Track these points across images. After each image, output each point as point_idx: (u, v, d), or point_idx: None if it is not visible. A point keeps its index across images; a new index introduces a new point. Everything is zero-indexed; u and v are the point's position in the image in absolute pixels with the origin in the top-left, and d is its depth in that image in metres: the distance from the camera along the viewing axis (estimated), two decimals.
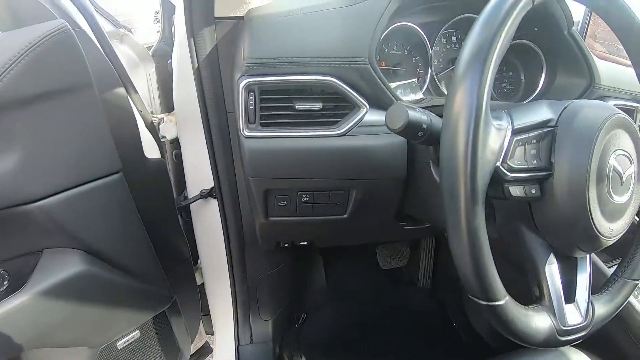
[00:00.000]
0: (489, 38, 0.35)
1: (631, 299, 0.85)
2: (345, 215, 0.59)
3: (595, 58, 0.70)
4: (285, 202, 0.57)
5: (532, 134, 0.41)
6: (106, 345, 0.62)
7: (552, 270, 0.45)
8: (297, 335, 0.93)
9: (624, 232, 0.46)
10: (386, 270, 1.08)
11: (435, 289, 1.10)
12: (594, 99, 0.70)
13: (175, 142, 0.74)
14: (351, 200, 0.57)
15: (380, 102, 0.55)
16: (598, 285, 0.54)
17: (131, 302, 0.62)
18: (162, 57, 0.77)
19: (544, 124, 0.43)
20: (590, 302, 0.48)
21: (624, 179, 0.44)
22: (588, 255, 0.49)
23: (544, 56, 0.72)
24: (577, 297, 0.47)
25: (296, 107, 0.52)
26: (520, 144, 0.40)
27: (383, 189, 0.57)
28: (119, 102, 0.61)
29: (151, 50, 0.72)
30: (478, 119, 0.34)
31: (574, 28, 0.67)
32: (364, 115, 0.53)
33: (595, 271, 0.56)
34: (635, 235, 0.58)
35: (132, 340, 0.65)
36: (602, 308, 0.49)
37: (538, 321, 0.42)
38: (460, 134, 0.34)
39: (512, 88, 0.75)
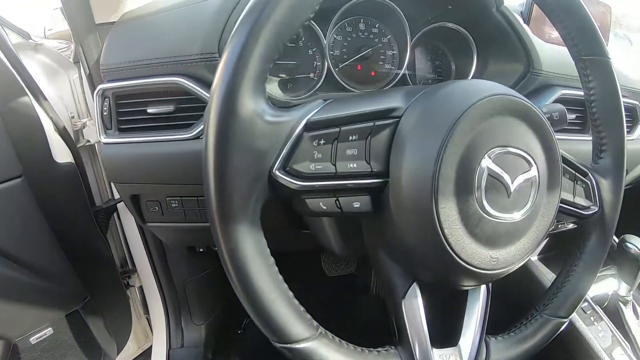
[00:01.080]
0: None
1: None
2: None
3: (537, 40, 0.61)
4: (157, 208, 0.56)
5: (347, 128, 0.32)
6: (19, 339, 0.67)
7: (413, 305, 0.37)
8: (236, 342, 0.92)
9: (524, 259, 0.37)
10: (340, 276, 1.03)
11: None
12: (534, 88, 0.61)
13: None
14: None
15: None
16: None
17: (38, 300, 0.66)
18: None
19: (377, 115, 0.34)
20: (485, 346, 0.40)
21: (512, 188, 0.34)
22: (483, 286, 0.41)
23: (473, 40, 0.64)
24: (461, 339, 0.39)
25: (148, 111, 0.51)
26: (322, 141, 0.32)
27: None
28: (24, 110, 0.65)
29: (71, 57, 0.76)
30: (230, 111, 0.28)
31: (505, 5, 0.59)
32: None
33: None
34: (565, 264, 0.49)
35: (44, 337, 0.69)
36: (505, 353, 0.40)
37: None
38: (210, 127, 0.28)
39: (439, 79, 0.67)
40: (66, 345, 0.72)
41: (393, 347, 0.37)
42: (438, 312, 0.39)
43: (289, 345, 0.31)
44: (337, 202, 0.33)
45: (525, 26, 0.60)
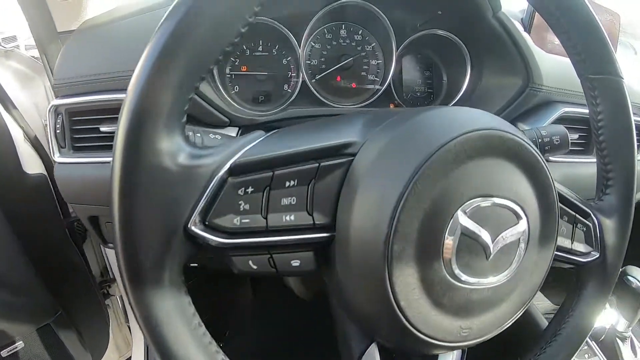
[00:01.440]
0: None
1: None
2: None
3: (538, 51, 0.55)
4: None
5: (282, 171, 0.27)
6: None
7: None
8: None
9: (505, 326, 0.32)
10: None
11: None
12: (533, 105, 0.55)
13: None
14: None
15: (212, 118, 0.48)
16: None
17: (6, 314, 0.65)
18: None
19: (324, 153, 0.28)
20: None
21: (493, 249, 0.28)
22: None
23: (467, 49, 0.58)
24: None
25: (101, 129, 0.48)
26: (250, 189, 0.26)
27: None
28: None
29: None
30: (135, 153, 0.23)
31: (502, 11, 0.52)
32: None
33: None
34: (548, 326, 0.43)
35: (15, 350, 0.68)
36: None
37: None
38: (114, 171, 0.23)
39: (429, 92, 0.62)
40: (37, 358, 0.71)
41: None
42: None
43: None
44: (270, 260, 0.28)
45: (525, 35, 0.53)
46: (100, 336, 0.82)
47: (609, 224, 0.40)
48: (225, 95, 0.53)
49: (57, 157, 0.50)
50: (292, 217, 0.27)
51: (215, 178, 0.25)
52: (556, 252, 0.36)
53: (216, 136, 0.40)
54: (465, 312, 0.29)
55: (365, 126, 0.31)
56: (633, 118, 0.39)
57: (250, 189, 0.27)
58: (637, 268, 0.66)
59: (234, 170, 0.26)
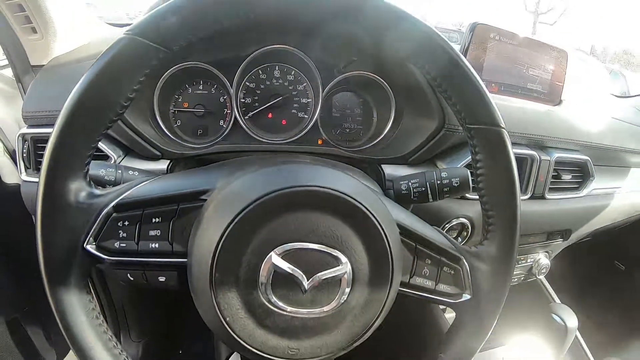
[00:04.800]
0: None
1: None
2: None
3: None
4: None
5: (150, 210, 0.38)
6: None
7: None
8: None
9: (341, 352, 0.39)
10: None
11: None
12: (449, 146, 0.64)
13: None
14: None
15: (146, 152, 0.60)
16: None
17: None
18: None
19: (183, 198, 0.39)
20: None
21: (308, 285, 0.36)
22: None
23: (391, 90, 0.67)
24: None
25: None
26: (127, 222, 0.38)
27: None
28: None
29: None
30: (49, 189, 0.34)
31: None
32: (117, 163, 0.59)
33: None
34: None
35: None
36: None
37: None
38: (37, 200, 0.34)
39: (359, 128, 0.71)
40: (4, 352, 0.84)
41: None
42: None
43: None
44: (143, 275, 0.40)
45: None
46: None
47: (485, 269, 0.44)
48: (165, 130, 0.64)
49: (23, 176, 0.63)
50: (157, 245, 0.39)
51: (103, 213, 0.37)
52: (418, 293, 0.43)
53: (134, 172, 0.52)
54: (291, 334, 0.37)
55: (219, 176, 0.41)
56: (514, 167, 0.42)
57: (127, 222, 0.38)
58: (562, 305, 0.72)
59: (117, 208, 0.38)
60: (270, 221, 0.35)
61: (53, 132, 0.34)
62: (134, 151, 0.61)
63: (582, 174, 0.79)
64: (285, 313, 0.36)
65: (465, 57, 0.70)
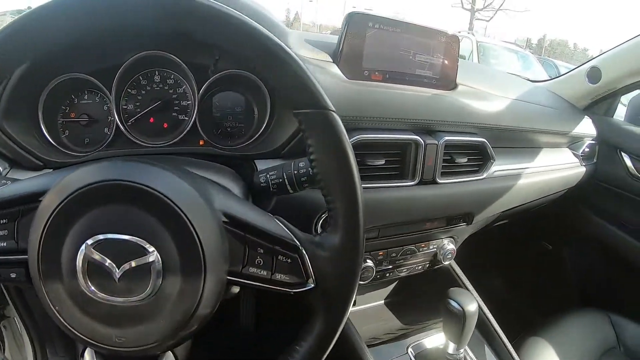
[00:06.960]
0: None
1: None
2: None
3: (330, 82, 0.67)
4: None
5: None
6: None
7: None
8: None
9: (168, 341, 0.42)
10: None
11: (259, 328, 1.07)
12: None
13: None
14: None
15: (28, 162, 0.65)
16: None
17: None
18: None
19: (21, 201, 0.43)
20: None
21: (118, 274, 0.39)
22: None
23: (264, 85, 0.71)
24: None
25: None
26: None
27: None
28: None
29: None
30: None
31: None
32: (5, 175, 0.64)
33: None
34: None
35: None
36: None
37: None
38: None
39: (240, 126, 0.75)
40: None
41: None
42: None
43: None
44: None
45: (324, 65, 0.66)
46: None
47: (326, 256, 0.45)
48: (51, 140, 0.68)
49: None
50: (5, 244, 0.43)
51: None
52: (253, 283, 0.44)
53: (7, 182, 0.56)
54: (116, 323, 0.40)
55: (51, 178, 0.45)
56: (348, 149, 0.44)
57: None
58: (461, 290, 0.73)
59: None
60: (85, 213, 0.39)
61: None
62: (15, 162, 0.65)
63: (481, 156, 0.80)
64: (102, 301, 0.39)
65: (341, 47, 0.75)
